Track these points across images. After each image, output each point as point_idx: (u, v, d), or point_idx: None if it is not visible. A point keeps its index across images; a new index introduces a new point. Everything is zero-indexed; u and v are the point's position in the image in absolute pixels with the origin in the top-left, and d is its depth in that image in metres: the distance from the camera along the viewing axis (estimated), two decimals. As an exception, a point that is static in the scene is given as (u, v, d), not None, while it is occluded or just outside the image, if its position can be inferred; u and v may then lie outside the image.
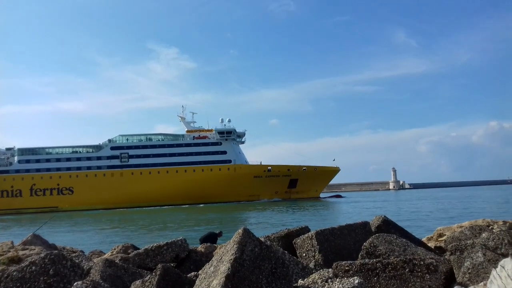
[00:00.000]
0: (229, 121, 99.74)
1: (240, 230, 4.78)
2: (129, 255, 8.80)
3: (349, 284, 4.75)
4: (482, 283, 5.12)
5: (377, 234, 7.43)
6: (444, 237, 9.97)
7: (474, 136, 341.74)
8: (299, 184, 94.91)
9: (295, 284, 5.22)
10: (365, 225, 8.75)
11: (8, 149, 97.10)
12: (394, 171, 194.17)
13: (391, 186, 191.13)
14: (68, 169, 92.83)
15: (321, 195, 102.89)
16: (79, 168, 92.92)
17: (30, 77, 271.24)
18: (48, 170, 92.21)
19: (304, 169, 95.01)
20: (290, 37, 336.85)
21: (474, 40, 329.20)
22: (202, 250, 9.48)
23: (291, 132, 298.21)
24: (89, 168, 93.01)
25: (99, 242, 27.64)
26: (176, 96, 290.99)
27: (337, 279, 5.00)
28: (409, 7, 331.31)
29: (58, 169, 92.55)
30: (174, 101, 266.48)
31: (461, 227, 10.20)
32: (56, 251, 5.85)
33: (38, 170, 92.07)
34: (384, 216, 9.48)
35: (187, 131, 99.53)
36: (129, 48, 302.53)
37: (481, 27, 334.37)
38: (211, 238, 13.61)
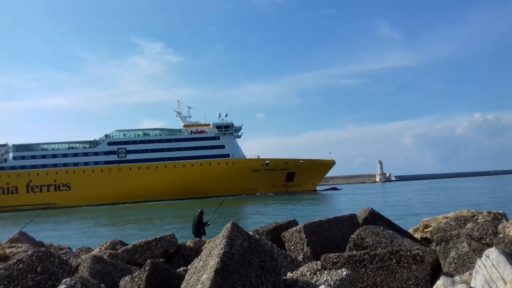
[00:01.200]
0: (226, 115, 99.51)
1: (228, 225, 4.80)
2: (118, 251, 8.77)
3: (337, 276, 4.80)
4: (467, 272, 5.22)
5: (364, 226, 7.51)
6: (430, 228, 10.11)
7: (458, 128, 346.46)
8: (296, 177, 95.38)
9: (284, 277, 5.26)
10: (352, 217, 8.83)
11: (1, 146, 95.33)
12: (381, 163, 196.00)
13: (377, 179, 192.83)
14: (65, 165, 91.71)
15: (317, 188, 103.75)
16: (76, 164, 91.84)
17: (13, 73, 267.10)
18: (44, 166, 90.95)
19: (301, 162, 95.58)
20: (276, 31, 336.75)
21: (458, 33, 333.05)
22: (191, 245, 9.50)
23: (278, 126, 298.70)
24: (86, 164, 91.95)
25: (87, 238, 27.44)
26: (162, 91, 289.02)
27: (326, 271, 5.04)
28: (393, 0, 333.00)
29: (55, 165, 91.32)
30: (159, 95, 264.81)
31: (446, 218, 10.35)
32: (44, 249, 5.81)
33: (34, 166, 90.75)
34: (371, 208, 9.58)
35: (184, 126, 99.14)
36: (114, 43, 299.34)
37: (464, 20, 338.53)
38: (200, 225, 13.76)
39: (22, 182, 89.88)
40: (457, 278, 5.03)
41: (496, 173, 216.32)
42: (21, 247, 9.33)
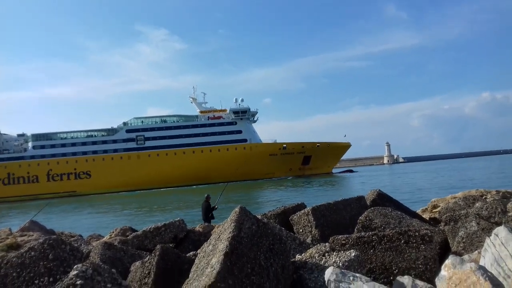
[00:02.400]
0: (242, 100, 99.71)
1: (236, 209, 4.82)
2: (128, 237, 8.86)
3: (346, 257, 4.82)
4: (476, 251, 5.22)
5: (372, 208, 7.51)
6: (439, 208, 10.10)
7: (467, 108, 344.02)
8: (312, 160, 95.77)
9: (293, 259, 5.29)
10: (360, 199, 8.84)
11: (20, 135, 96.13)
12: (388, 145, 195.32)
13: (385, 161, 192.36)
14: (84, 153, 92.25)
15: (333, 170, 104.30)
16: (95, 152, 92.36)
17: (17, 63, 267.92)
18: (64, 155, 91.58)
19: (317, 146, 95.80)
20: (280, 15, 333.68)
21: (465, 12, 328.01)
22: (200, 230, 9.56)
23: (284, 110, 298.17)
24: (105, 151, 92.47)
25: (98, 226, 27.72)
26: (166, 78, 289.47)
27: (334, 253, 5.07)
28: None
29: (74, 154, 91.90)
30: (164, 83, 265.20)
31: (455, 197, 10.33)
32: (55, 236, 5.88)
33: (53, 155, 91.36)
34: (379, 190, 9.58)
35: (201, 112, 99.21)
36: (117, 31, 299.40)
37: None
38: (208, 210, 13.93)
39: (43, 171, 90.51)
40: (465, 257, 5.04)
41: (505, 152, 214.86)
42: (32, 235, 9.45)
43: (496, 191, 10.71)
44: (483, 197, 9.80)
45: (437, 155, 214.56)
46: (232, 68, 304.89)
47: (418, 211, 10.82)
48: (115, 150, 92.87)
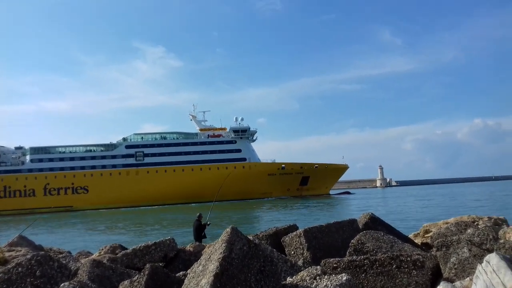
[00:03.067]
0: (242, 119, 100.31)
1: (228, 229, 4.79)
2: (117, 255, 8.75)
3: (337, 281, 4.78)
4: (468, 278, 5.20)
5: (364, 231, 7.49)
6: (431, 233, 10.09)
7: (459, 134, 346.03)
8: (310, 181, 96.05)
9: (284, 282, 5.24)
10: (352, 222, 8.82)
11: (17, 148, 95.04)
12: (381, 168, 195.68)
13: (378, 184, 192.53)
14: (83, 168, 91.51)
15: (330, 192, 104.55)
16: (93, 167, 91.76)
17: (13, 76, 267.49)
18: (62, 169, 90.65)
19: (316, 167, 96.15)
20: (276, 36, 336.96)
21: (459, 39, 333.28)
22: (191, 249, 9.47)
23: (279, 130, 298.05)
24: (104, 166, 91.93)
25: (89, 242, 27.40)
26: (163, 95, 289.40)
27: (326, 276, 5.03)
28: (393, 6, 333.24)
29: (72, 168, 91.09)
30: (160, 100, 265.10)
31: (447, 223, 10.33)
32: (43, 253, 5.80)
33: (51, 169, 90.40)
34: (371, 213, 9.57)
35: (201, 129, 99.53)
36: (114, 47, 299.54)
37: (465, 26, 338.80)
38: (200, 229, 13.80)
39: (40, 184, 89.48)
40: (457, 283, 5.02)
41: (496, 178, 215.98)
42: (21, 250, 9.31)
43: (488, 217, 10.72)
44: (475, 223, 9.81)
45: (429, 179, 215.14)
46: (227, 87, 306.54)
47: (410, 235, 10.80)
48: (114, 166, 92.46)
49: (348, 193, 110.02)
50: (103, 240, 28.27)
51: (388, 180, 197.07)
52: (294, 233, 8.10)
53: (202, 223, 14.10)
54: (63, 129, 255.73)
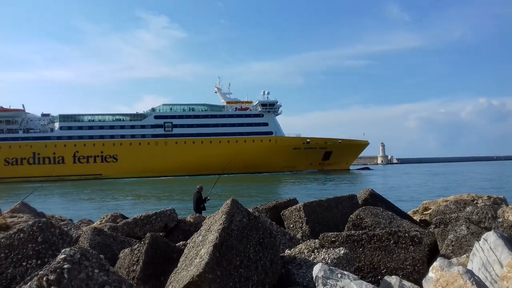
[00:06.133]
0: (269, 93, 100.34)
1: (228, 201, 4.82)
2: (118, 224, 8.85)
3: (334, 254, 4.84)
4: (464, 255, 5.25)
5: (363, 207, 7.54)
6: (430, 211, 10.15)
7: (463, 113, 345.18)
8: (332, 156, 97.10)
9: (282, 254, 5.30)
10: (352, 198, 8.87)
11: (44, 115, 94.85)
12: (383, 146, 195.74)
13: (379, 161, 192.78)
14: (112, 137, 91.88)
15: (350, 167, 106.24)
16: (123, 136, 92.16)
17: (13, 43, 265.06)
18: (91, 137, 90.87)
19: (339, 142, 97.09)
20: (282, 8, 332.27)
21: (467, 15, 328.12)
22: (191, 220, 9.56)
23: (282, 105, 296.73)
24: (133, 136, 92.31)
25: (99, 211, 27.44)
26: (166, 67, 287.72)
27: (323, 250, 5.08)
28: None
29: (101, 137, 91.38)
30: (163, 71, 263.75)
31: (446, 201, 10.38)
32: (44, 219, 5.85)
33: (80, 137, 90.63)
34: (371, 189, 9.61)
35: (227, 102, 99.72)
36: (117, 16, 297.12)
37: (474, 2, 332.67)
38: (199, 201, 13.95)
39: (69, 152, 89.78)
40: (454, 260, 5.07)
41: (498, 158, 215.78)
42: (22, 217, 9.42)
43: (487, 196, 10.78)
44: (474, 202, 9.85)
45: (431, 158, 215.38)
46: (231, 59, 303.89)
47: (409, 212, 10.87)
48: (143, 136, 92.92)
49: (368, 168, 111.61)
50: (112, 208, 28.35)
51: (389, 157, 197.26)
52: (294, 206, 8.17)
53: (203, 196, 14.27)
54: (64, 98, 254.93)
